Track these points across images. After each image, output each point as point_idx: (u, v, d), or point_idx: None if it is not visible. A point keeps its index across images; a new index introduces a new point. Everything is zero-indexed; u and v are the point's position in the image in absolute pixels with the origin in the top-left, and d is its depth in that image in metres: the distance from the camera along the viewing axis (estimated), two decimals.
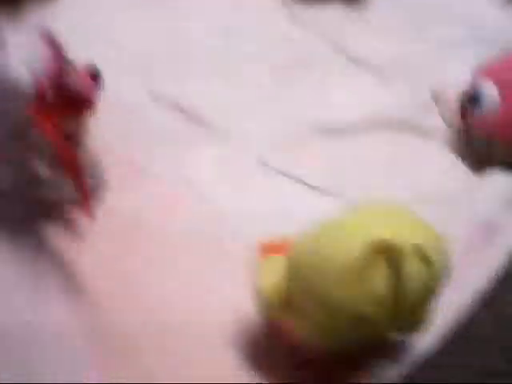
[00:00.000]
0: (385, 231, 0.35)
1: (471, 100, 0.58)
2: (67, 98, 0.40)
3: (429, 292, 0.38)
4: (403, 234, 0.36)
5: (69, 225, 0.50)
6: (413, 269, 0.35)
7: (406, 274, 0.35)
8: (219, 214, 0.53)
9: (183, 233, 0.51)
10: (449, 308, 0.46)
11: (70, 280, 0.47)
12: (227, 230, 0.52)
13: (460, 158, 0.61)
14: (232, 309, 0.46)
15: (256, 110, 0.63)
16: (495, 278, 0.50)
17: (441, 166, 0.60)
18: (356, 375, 0.43)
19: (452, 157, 0.61)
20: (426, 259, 0.35)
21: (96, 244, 0.49)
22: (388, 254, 0.34)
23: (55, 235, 0.49)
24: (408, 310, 0.37)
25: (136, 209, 0.52)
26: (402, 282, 0.35)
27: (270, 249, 0.45)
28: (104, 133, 0.53)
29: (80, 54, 0.45)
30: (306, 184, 0.57)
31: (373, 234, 0.35)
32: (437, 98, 0.65)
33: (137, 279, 0.48)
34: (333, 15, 0.73)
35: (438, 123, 0.63)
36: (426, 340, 0.45)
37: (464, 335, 0.46)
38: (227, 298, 0.46)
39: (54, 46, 0.41)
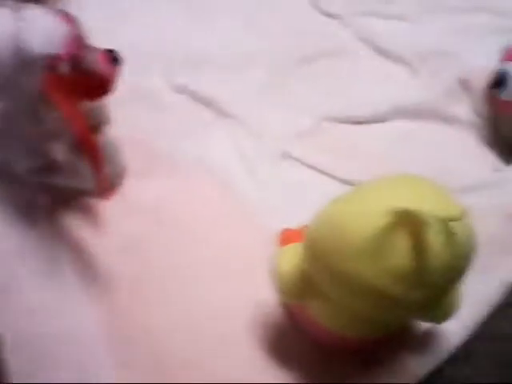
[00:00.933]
0: (406, 201, 0.32)
1: (497, 84, 0.57)
2: (84, 77, 0.39)
3: (454, 270, 0.34)
4: (426, 205, 0.32)
5: (87, 212, 0.49)
6: (437, 242, 0.32)
7: (430, 247, 0.31)
8: (240, 202, 0.52)
9: (204, 221, 0.51)
10: (477, 298, 0.45)
11: (88, 267, 0.46)
12: (248, 219, 0.51)
13: (489, 147, 0.59)
14: (254, 300, 0.45)
15: (279, 101, 0.61)
16: None
17: (469, 154, 0.58)
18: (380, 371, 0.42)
19: (481, 145, 0.59)
20: (451, 233, 0.32)
21: (116, 231, 0.49)
22: (410, 224, 0.31)
23: (73, 222, 0.49)
24: (432, 288, 0.33)
25: (157, 198, 0.52)
26: (426, 255, 0.32)
27: (288, 237, 0.45)
28: (124, 120, 0.53)
29: (101, 39, 0.45)
30: (328, 174, 0.56)
31: (393, 204, 0.31)
32: (464, 86, 0.63)
33: (157, 268, 0.47)
34: (358, 5, 0.71)
35: (466, 111, 0.61)
36: (454, 331, 0.43)
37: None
38: (249, 289, 0.45)
39: (73, 24, 0.40)
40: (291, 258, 0.39)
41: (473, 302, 0.44)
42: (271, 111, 0.60)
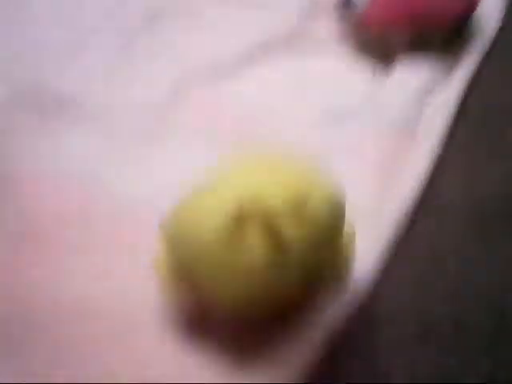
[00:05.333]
0: (249, 192, 0.30)
1: (344, 5, 0.56)
2: None
3: (320, 247, 0.33)
4: (274, 192, 0.30)
5: None
6: (292, 227, 0.30)
7: (285, 234, 0.30)
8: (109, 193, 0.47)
9: (77, 228, 0.45)
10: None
11: None
12: (121, 210, 0.46)
13: (360, 65, 0.56)
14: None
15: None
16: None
17: (339, 80, 0.55)
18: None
19: (350, 68, 0.56)
20: (306, 215, 0.30)
21: None
22: (260, 216, 0.29)
23: None
24: (302, 270, 0.32)
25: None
26: (282, 244, 0.30)
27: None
28: None
29: None
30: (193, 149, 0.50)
31: (235, 198, 0.30)
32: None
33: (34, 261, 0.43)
34: None
35: (327, 35, 0.58)
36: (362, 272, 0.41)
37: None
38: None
39: None
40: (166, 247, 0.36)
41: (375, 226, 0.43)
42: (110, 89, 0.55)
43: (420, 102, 0.52)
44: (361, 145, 0.48)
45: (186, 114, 0.53)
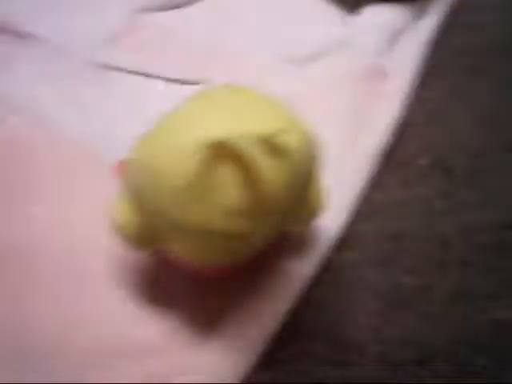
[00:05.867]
0: (221, 127, 0.26)
1: None
2: None
3: (297, 185, 0.29)
4: (244, 127, 0.27)
5: None
6: (266, 165, 0.26)
7: (259, 173, 0.26)
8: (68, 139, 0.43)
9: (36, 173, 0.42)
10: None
11: None
12: (81, 156, 0.42)
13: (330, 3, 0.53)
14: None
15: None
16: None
17: (310, 14, 0.52)
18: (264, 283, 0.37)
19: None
20: (280, 150, 0.27)
21: None
22: (230, 154, 0.26)
23: None
24: (276, 212, 0.29)
25: None
26: (256, 184, 0.26)
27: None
28: None
29: None
30: (151, 76, 0.47)
31: (205, 134, 0.26)
32: None
33: None
34: None
35: None
36: (331, 220, 0.39)
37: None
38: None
39: None
40: (123, 202, 0.31)
41: (342, 184, 0.40)
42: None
43: (391, 42, 0.50)
44: (331, 88, 0.46)
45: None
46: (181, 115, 0.29)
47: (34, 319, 0.35)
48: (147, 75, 0.47)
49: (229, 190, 0.27)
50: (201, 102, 0.30)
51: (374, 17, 0.51)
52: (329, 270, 0.38)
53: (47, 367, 0.32)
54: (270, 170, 0.27)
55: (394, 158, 0.44)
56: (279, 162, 0.27)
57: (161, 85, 0.48)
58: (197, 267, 0.35)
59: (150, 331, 0.34)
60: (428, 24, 0.52)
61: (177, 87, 0.47)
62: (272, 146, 0.27)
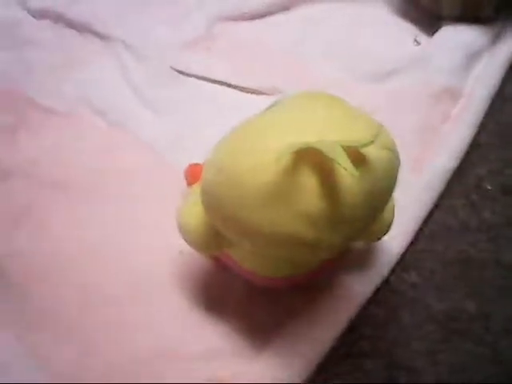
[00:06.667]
0: (307, 133, 0.26)
1: None
2: None
3: (375, 199, 0.28)
4: (331, 135, 0.26)
5: None
6: (349, 175, 0.26)
7: (341, 182, 0.26)
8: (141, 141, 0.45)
9: (108, 172, 0.44)
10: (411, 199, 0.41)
11: None
12: (152, 159, 0.44)
13: (408, 20, 0.52)
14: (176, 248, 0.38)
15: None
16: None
17: (387, 32, 0.52)
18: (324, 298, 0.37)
19: (399, 20, 0.53)
20: (363, 162, 0.26)
21: None
22: (315, 161, 0.26)
23: None
24: (352, 224, 0.28)
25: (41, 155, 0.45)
26: (337, 192, 0.26)
27: (196, 174, 0.37)
28: None
29: None
30: (229, 85, 0.48)
31: (292, 139, 0.25)
32: None
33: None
34: None
35: None
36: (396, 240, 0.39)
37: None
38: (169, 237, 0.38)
39: None
40: (195, 206, 0.32)
41: (408, 204, 0.40)
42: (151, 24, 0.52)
43: (467, 64, 0.49)
44: (402, 105, 0.46)
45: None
46: (265, 121, 0.29)
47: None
48: (221, 83, 0.49)
49: (308, 195, 0.26)
50: (285, 108, 0.29)
51: (451, 37, 0.50)
52: (389, 290, 0.38)
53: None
54: (352, 180, 0.26)
55: (462, 181, 0.43)
56: (363, 173, 0.26)
57: (234, 92, 0.49)
58: (258, 277, 0.35)
59: (213, 336, 0.36)
60: (506, 47, 0.51)
61: (250, 95, 0.48)
62: (358, 157, 0.26)
